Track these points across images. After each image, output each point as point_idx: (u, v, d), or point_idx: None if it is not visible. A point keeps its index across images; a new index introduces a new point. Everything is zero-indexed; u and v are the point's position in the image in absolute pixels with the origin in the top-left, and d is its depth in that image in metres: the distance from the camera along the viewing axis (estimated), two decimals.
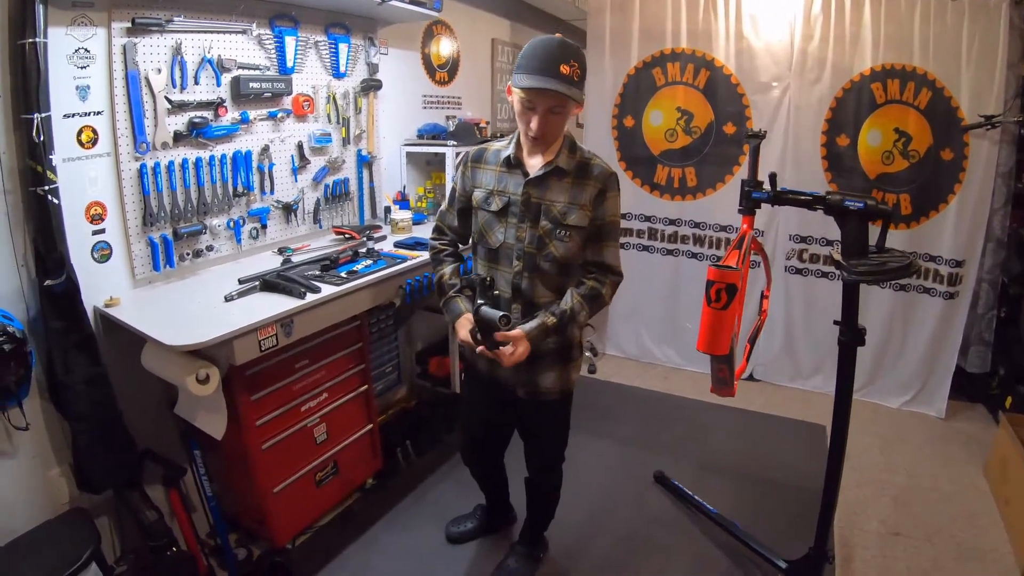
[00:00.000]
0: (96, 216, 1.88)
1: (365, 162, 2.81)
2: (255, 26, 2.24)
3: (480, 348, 1.65)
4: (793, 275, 3.55)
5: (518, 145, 1.70)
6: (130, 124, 1.91)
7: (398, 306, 2.37)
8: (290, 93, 2.42)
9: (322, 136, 2.57)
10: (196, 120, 2.07)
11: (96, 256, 1.89)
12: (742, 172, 3.51)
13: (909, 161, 3.21)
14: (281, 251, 2.40)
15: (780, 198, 1.84)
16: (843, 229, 1.73)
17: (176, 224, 2.09)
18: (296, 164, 2.50)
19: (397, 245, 2.57)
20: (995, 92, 2.99)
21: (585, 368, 3.69)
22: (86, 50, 1.79)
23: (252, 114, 2.28)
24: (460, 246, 1.94)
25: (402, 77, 3.07)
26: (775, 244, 3.53)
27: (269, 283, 1.97)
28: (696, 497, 2.50)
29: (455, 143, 2.98)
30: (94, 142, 1.84)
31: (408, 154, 3.09)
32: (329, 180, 2.66)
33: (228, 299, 1.87)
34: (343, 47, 2.60)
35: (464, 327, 1.72)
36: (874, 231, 1.73)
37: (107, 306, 1.85)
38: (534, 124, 1.57)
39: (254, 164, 2.33)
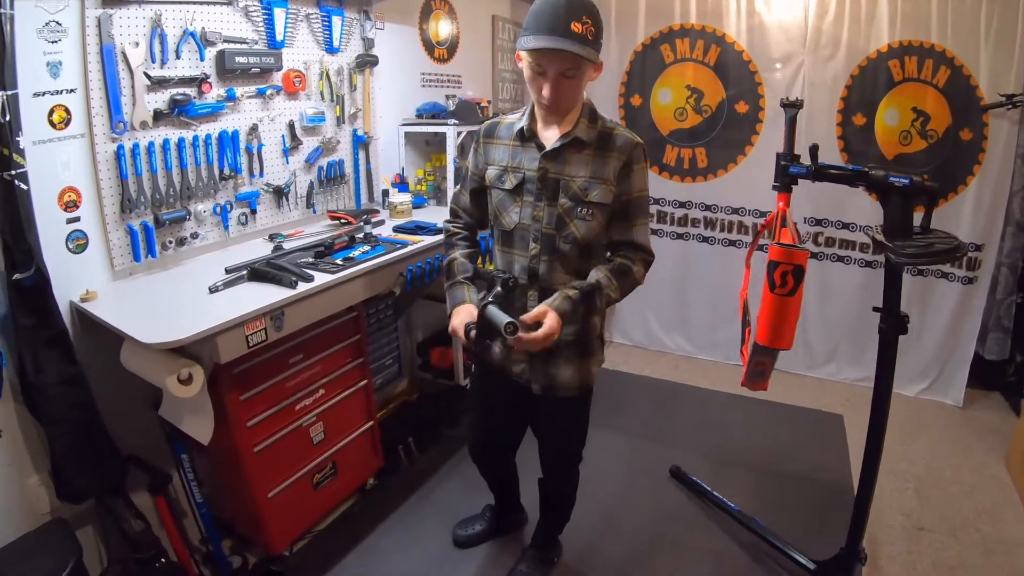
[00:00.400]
0: (70, 203, 1.72)
1: (361, 143, 2.65)
2: None
3: (467, 344, 1.51)
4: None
5: (532, 116, 1.55)
6: (106, 102, 1.75)
7: (398, 295, 2.23)
8: (280, 69, 2.26)
9: (315, 115, 2.40)
10: (178, 97, 1.91)
11: (71, 246, 1.74)
12: (755, 152, 3.39)
13: (927, 141, 3.11)
14: (272, 238, 2.25)
15: (821, 173, 1.70)
16: (886, 207, 1.60)
17: (157, 210, 1.93)
18: (287, 145, 2.34)
19: (397, 230, 2.42)
20: (1015, 70, 2.89)
21: None
22: (57, 23, 1.62)
23: (239, 91, 2.12)
24: (478, 231, 1.80)
25: (399, 53, 2.90)
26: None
27: (257, 272, 1.81)
28: (715, 493, 2.39)
29: (456, 122, 2.82)
30: (67, 122, 1.69)
31: (407, 134, 2.92)
32: (323, 162, 2.50)
33: (213, 290, 1.72)
34: (336, 20, 2.43)
35: (460, 316, 1.55)
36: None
37: (83, 300, 1.70)
38: (546, 91, 1.41)
39: (242, 145, 2.18)
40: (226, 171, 2.12)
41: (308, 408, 2.01)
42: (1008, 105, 2.88)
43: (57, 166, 1.68)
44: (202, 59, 1.98)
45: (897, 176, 1.56)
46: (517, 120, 1.58)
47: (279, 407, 1.90)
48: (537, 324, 1.41)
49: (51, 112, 1.64)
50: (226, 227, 2.16)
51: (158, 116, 1.88)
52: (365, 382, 2.24)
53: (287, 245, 2.14)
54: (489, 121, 1.67)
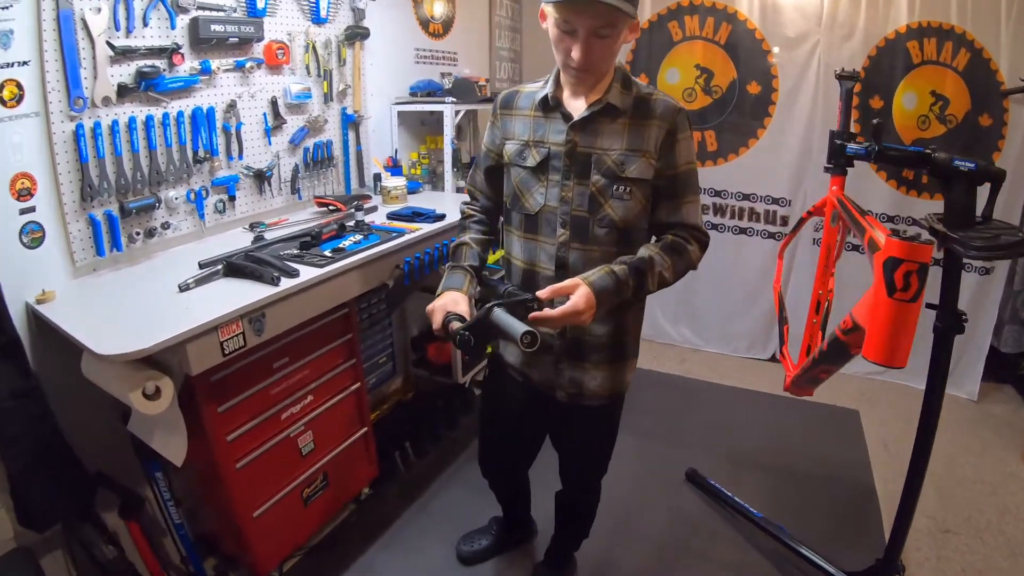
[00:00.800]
0: (23, 191, 1.52)
1: (351, 122, 2.44)
2: None
3: (438, 332, 1.28)
4: (816, 247, 3.26)
5: (557, 83, 1.34)
6: (63, 76, 1.56)
7: (391, 287, 2.04)
8: (261, 39, 2.05)
9: (300, 91, 2.19)
10: (146, 70, 1.71)
11: (25, 240, 1.53)
12: (768, 136, 3.23)
13: (946, 126, 2.98)
14: (253, 227, 2.05)
15: (883, 154, 1.53)
16: (947, 194, 1.44)
17: (123, 198, 1.73)
18: (269, 124, 2.13)
19: (391, 217, 2.22)
20: None
21: None
22: None
23: (215, 63, 1.91)
24: (497, 216, 1.60)
25: (392, 27, 2.68)
26: (801, 213, 3.24)
27: (234, 267, 1.61)
28: (736, 498, 2.25)
29: (454, 100, 2.61)
30: (19, 99, 1.49)
31: (400, 114, 2.71)
32: (309, 143, 2.29)
33: (183, 289, 1.51)
34: None
35: (444, 299, 1.31)
36: None
37: (39, 302, 1.50)
38: (576, 52, 1.20)
39: (218, 124, 1.97)
40: (201, 153, 1.91)
41: (295, 417, 1.82)
42: None
43: (8, 149, 1.49)
44: (173, 27, 1.79)
45: (962, 160, 1.39)
46: (539, 88, 1.37)
47: (263, 417, 1.70)
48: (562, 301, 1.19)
49: (1, 88, 1.45)
50: (201, 216, 1.95)
51: (123, 91, 1.68)
52: (358, 385, 2.05)
53: (269, 235, 1.94)
54: (507, 91, 1.47)
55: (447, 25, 3.08)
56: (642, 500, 2.33)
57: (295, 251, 1.79)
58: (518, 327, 1.11)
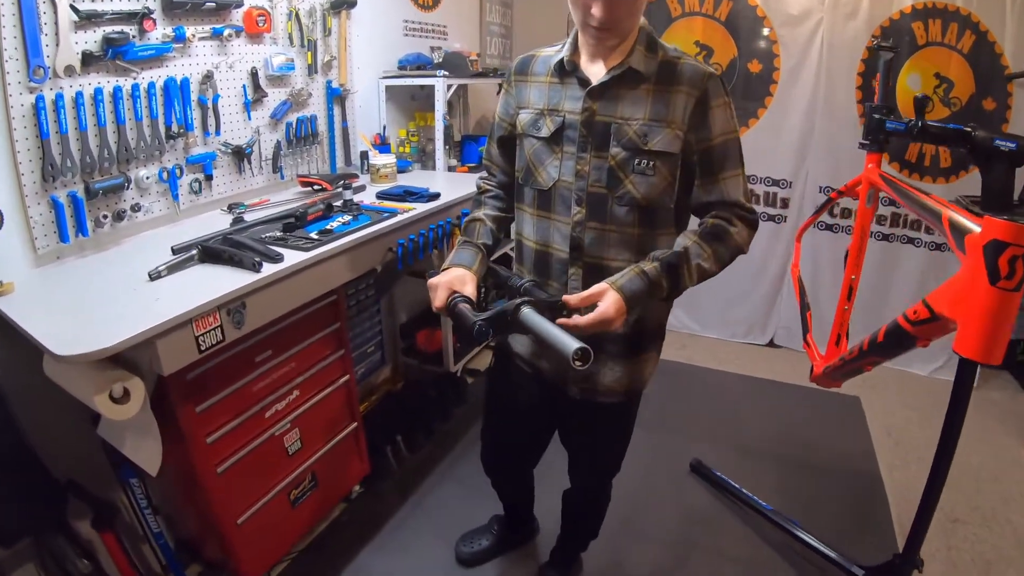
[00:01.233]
0: None
1: (336, 96, 2.29)
2: None
3: (439, 308, 1.16)
4: (822, 231, 3.21)
5: (574, 46, 1.21)
6: (21, 43, 1.41)
7: (380, 272, 1.90)
8: (240, 5, 1.89)
9: (282, 63, 2.03)
10: (113, 36, 1.55)
11: None
12: (769, 115, 3.12)
13: (950, 109, 2.91)
14: (232, 208, 1.89)
15: (925, 131, 1.42)
16: (986, 175, 1.34)
17: (89, 177, 1.58)
18: (249, 97, 1.97)
19: (381, 196, 2.08)
20: None
21: None
22: None
23: (189, 30, 1.75)
24: (509, 195, 1.45)
25: None
26: (803, 196, 3.18)
27: (211, 251, 1.46)
28: (744, 490, 2.17)
29: (446, 74, 2.46)
30: None
31: (388, 88, 2.56)
32: (292, 117, 2.13)
33: (153, 277, 1.37)
34: None
35: (449, 276, 1.18)
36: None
37: None
38: (596, 9, 1.07)
39: (193, 96, 1.81)
40: (174, 128, 1.76)
41: (281, 414, 1.69)
42: None
43: None
44: None
45: (1004, 139, 1.29)
46: (556, 52, 1.24)
47: (245, 416, 1.57)
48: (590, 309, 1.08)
49: None
50: (175, 196, 1.80)
51: (88, 60, 1.53)
52: (347, 377, 1.93)
53: (249, 216, 1.79)
54: (521, 56, 1.33)
55: None
56: (648, 494, 2.24)
57: (278, 233, 1.65)
58: (567, 340, 0.97)
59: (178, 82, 1.74)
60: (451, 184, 2.31)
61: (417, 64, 2.58)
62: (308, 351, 1.76)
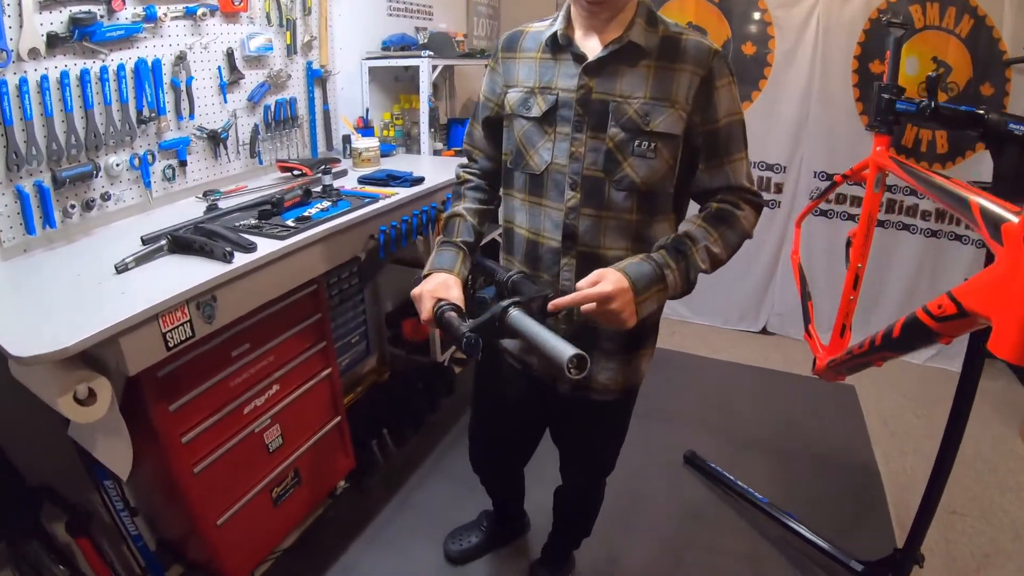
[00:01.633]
0: None
1: (317, 78, 2.20)
2: None
3: (426, 321, 1.10)
4: (816, 217, 3.15)
5: (568, 20, 1.13)
6: None
7: (363, 260, 1.83)
8: None
9: (260, 44, 1.94)
10: (80, 16, 1.47)
11: None
12: (763, 98, 3.06)
13: (947, 94, 2.85)
14: (207, 195, 1.81)
15: (938, 113, 1.36)
16: (998, 160, 1.29)
17: (55, 165, 1.50)
18: (225, 79, 1.88)
19: (363, 181, 2.00)
20: None
21: None
22: None
23: (161, 9, 1.67)
24: (499, 179, 1.35)
25: None
26: (797, 182, 3.13)
27: (181, 241, 1.38)
28: (739, 483, 2.13)
29: (431, 55, 2.37)
30: None
31: (371, 70, 2.47)
32: (270, 100, 2.05)
33: (120, 270, 1.29)
34: None
35: (433, 283, 1.13)
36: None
37: None
38: None
39: (165, 78, 1.73)
40: (145, 112, 1.67)
41: (260, 410, 1.62)
42: None
43: None
44: None
45: (1018, 123, 1.23)
46: (547, 27, 1.16)
47: (222, 413, 1.50)
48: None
49: None
50: (147, 184, 1.71)
51: (53, 41, 1.45)
52: (329, 371, 1.86)
53: (224, 204, 1.71)
54: (509, 32, 1.24)
55: None
56: (642, 487, 2.19)
57: (253, 220, 1.57)
58: (561, 346, 0.88)
59: (149, 64, 1.66)
60: (436, 168, 2.23)
61: (402, 45, 2.49)
62: (288, 344, 1.69)
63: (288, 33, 2.06)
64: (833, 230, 3.12)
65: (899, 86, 1.45)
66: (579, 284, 1.00)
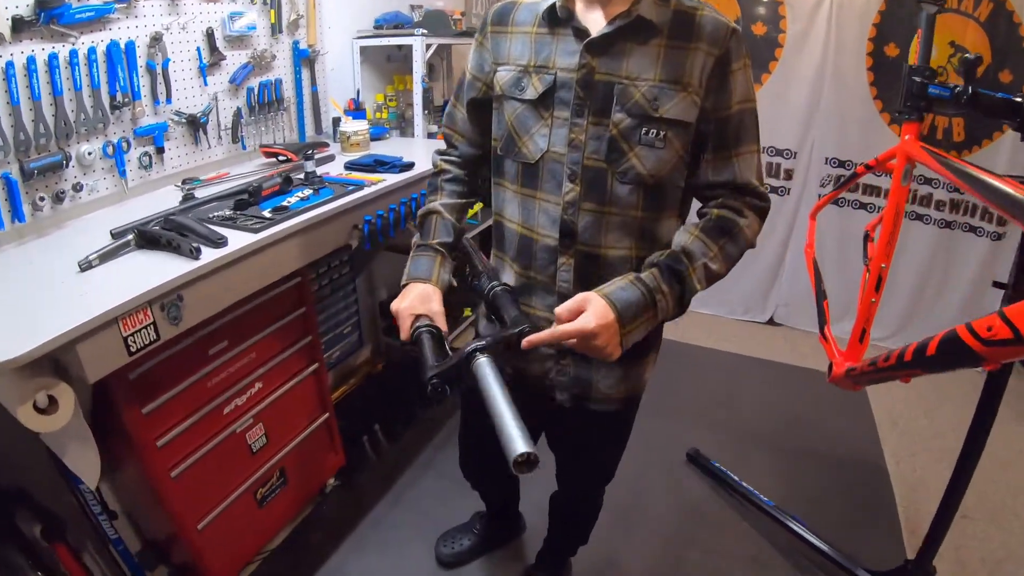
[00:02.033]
0: None
1: (304, 58, 2.09)
2: None
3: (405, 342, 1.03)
4: (827, 205, 3.02)
5: None
6: None
7: (355, 247, 1.75)
8: None
9: (243, 23, 1.83)
10: None
11: None
12: (773, 81, 2.94)
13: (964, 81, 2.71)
14: (187, 184, 1.72)
15: (975, 100, 1.26)
16: None
17: (23, 156, 1.41)
18: (205, 61, 1.78)
19: (350, 167, 1.91)
20: None
21: None
22: None
23: None
24: (481, 167, 1.23)
25: None
26: (807, 168, 3.01)
27: (147, 236, 1.29)
28: (743, 483, 2.06)
29: (425, 33, 2.26)
30: None
31: (363, 49, 2.36)
32: (254, 82, 1.94)
33: (83, 268, 1.20)
34: None
35: (410, 299, 1.06)
36: None
37: None
38: None
39: (140, 61, 1.63)
40: (119, 98, 1.58)
41: (242, 409, 1.55)
42: None
43: None
44: None
45: None
46: None
47: (200, 415, 1.43)
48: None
49: None
50: (122, 173, 1.63)
51: (19, 26, 1.36)
52: (316, 366, 1.79)
53: (202, 192, 1.61)
54: (500, 3, 1.12)
55: None
56: (642, 486, 2.12)
57: (228, 211, 1.48)
58: (514, 433, 0.81)
59: (122, 46, 1.56)
60: (430, 152, 2.10)
61: (395, 23, 2.38)
62: (270, 340, 1.61)
63: (272, 11, 1.95)
64: (844, 219, 3.01)
65: (931, 68, 1.34)
66: (558, 312, 0.91)
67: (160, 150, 1.71)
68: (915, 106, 1.37)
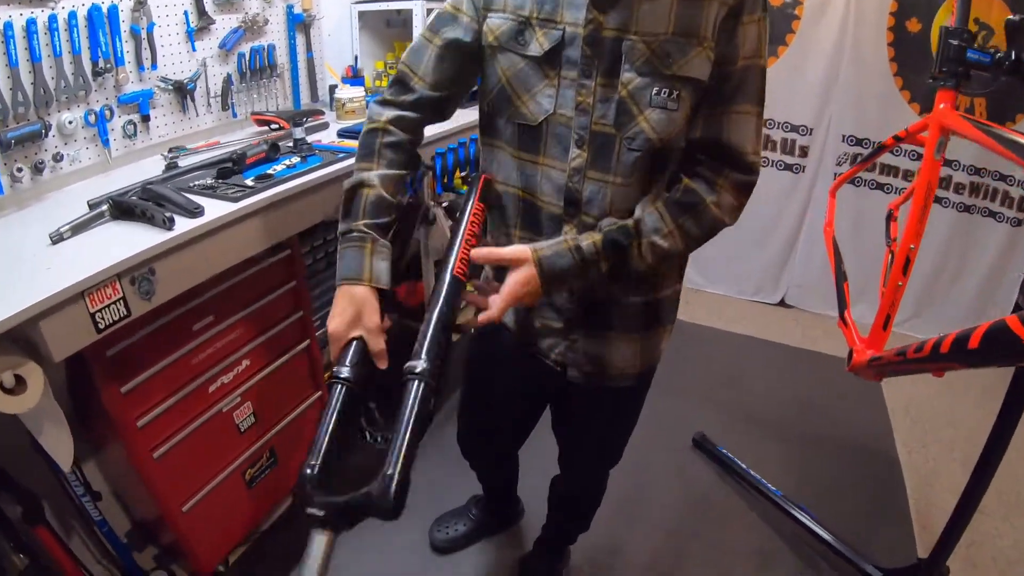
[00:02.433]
0: None
1: (299, 23, 2.00)
2: None
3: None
4: (844, 184, 2.92)
5: None
6: None
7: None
8: None
9: None
10: None
11: None
12: (790, 54, 2.81)
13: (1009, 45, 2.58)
14: (172, 152, 1.65)
15: (1019, 67, 1.16)
16: None
17: (0, 127, 1.34)
18: (192, 25, 1.70)
19: (343, 134, 1.82)
20: None
21: None
22: None
23: None
24: (432, 119, 1.06)
25: None
26: (824, 145, 2.89)
27: (122, 206, 1.22)
28: (751, 472, 1.99)
29: None
30: None
31: (361, 14, 2.26)
32: (245, 48, 1.86)
33: (55, 240, 1.13)
34: None
35: (345, 314, 0.90)
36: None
37: None
38: None
39: (124, 26, 1.55)
40: (101, 64, 1.50)
41: (228, 387, 1.49)
42: None
43: None
44: None
45: None
46: None
47: (184, 393, 1.37)
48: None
49: None
50: (105, 142, 1.55)
51: None
52: (307, 342, 1.72)
53: (186, 162, 1.54)
54: None
55: None
56: (646, 472, 2.05)
57: (211, 180, 1.40)
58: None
59: (104, 10, 1.48)
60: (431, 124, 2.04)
61: None
62: (258, 315, 1.54)
63: None
64: (861, 199, 2.90)
65: (969, 31, 1.24)
66: (486, 252, 0.95)
67: (145, 118, 1.63)
68: (951, 72, 1.27)
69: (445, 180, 1.93)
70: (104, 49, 1.50)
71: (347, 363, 0.87)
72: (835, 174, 2.87)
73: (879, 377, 1.49)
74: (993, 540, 1.89)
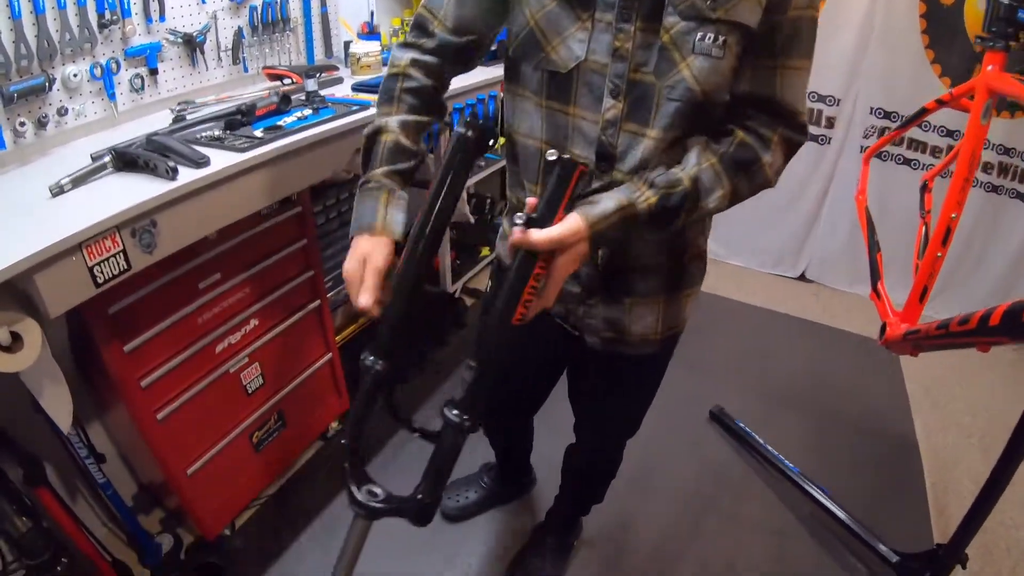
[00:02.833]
0: None
1: None
2: None
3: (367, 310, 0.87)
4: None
5: None
6: None
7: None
8: None
9: None
10: None
11: None
12: (820, 21, 2.65)
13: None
14: (181, 106, 1.60)
15: None
16: None
17: (2, 80, 1.29)
18: None
19: (357, 88, 1.76)
20: None
21: None
22: None
23: None
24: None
25: None
26: (851, 117, 2.79)
27: (125, 157, 1.16)
28: (768, 447, 1.95)
29: None
30: None
31: None
32: (257, 1, 1.79)
33: (55, 193, 1.08)
34: None
35: (356, 255, 0.88)
36: None
37: None
38: None
39: None
40: (107, 16, 1.43)
41: (235, 348, 1.47)
42: None
43: None
44: None
45: None
46: None
47: (189, 352, 1.34)
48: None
49: None
50: (111, 96, 1.50)
51: None
52: (317, 303, 1.69)
53: (193, 115, 1.48)
54: None
55: None
56: (662, 444, 2.02)
57: (218, 132, 1.35)
58: None
59: None
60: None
61: None
62: (267, 273, 1.51)
63: None
64: (888, 173, 2.80)
65: None
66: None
67: (153, 72, 1.58)
68: (1001, 32, 1.19)
69: None
70: (110, 0, 1.44)
71: (377, 352, 0.89)
72: (862, 147, 2.77)
73: (915, 352, 1.43)
74: (1008, 530, 1.85)
